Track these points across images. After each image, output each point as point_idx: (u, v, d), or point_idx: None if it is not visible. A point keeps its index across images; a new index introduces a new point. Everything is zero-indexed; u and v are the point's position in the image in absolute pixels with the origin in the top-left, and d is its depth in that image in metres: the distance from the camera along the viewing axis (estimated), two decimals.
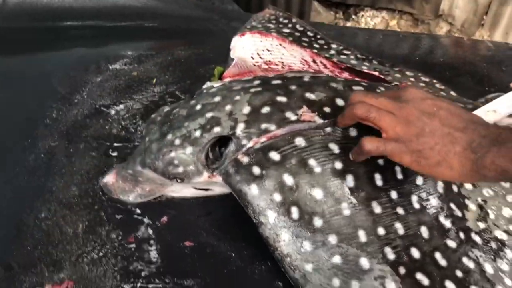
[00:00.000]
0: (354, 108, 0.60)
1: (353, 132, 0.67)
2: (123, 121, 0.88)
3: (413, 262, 0.60)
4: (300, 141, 0.65)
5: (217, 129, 0.67)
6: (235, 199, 0.65)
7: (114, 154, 0.81)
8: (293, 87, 0.72)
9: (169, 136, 0.69)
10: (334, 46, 1.09)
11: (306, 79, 0.75)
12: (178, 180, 0.68)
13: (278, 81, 0.74)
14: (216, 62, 1.02)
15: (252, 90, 0.72)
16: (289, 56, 1.02)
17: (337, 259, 0.60)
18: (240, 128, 0.67)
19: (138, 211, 0.71)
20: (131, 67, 1.01)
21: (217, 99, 0.71)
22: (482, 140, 0.55)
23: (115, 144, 0.83)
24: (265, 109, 0.68)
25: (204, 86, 0.83)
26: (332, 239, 0.60)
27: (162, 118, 0.73)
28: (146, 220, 0.70)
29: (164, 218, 0.71)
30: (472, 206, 0.69)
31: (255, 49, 1.03)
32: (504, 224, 0.68)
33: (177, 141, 0.68)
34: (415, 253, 0.61)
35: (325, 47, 1.08)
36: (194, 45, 1.10)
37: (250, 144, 0.66)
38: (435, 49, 1.17)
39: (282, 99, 0.70)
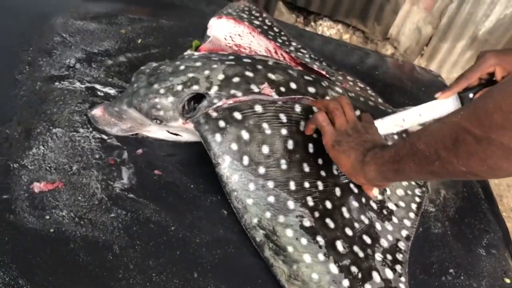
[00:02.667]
0: (331, 101, 0.85)
1: (297, 109, 0.87)
2: (110, 68, 1.02)
3: (326, 210, 0.81)
4: (258, 108, 0.85)
5: (195, 87, 0.85)
6: (198, 146, 0.83)
7: (101, 94, 0.96)
8: (259, 67, 0.91)
9: (156, 86, 0.85)
10: (294, 44, 1.29)
11: (270, 62, 0.94)
12: (158, 121, 0.85)
13: (248, 60, 0.93)
14: (194, 36, 1.19)
15: (227, 62, 0.90)
16: (256, 44, 1.21)
17: (271, 199, 0.79)
18: (214, 89, 0.85)
19: (118, 141, 0.87)
20: (120, 25, 1.15)
21: (198, 64, 0.89)
22: (371, 145, 0.78)
23: (102, 87, 0.98)
24: (236, 79, 0.87)
25: (186, 53, 1.01)
26: (270, 184, 0.80)
27: (150, 70, 0.89)
28: (124, 149, 0.86)
29: (139, 151, 0.87)
30: None
31: (229, 32, 1.20)
32: (395, 199, 0.92)
33: (162, 91, 0.85)
34: (328, 204, 0.82)
35: (287, 43, 1.28)
36: (176, 18, 1.26)
37: (219, 103, 0.84)
38: (377, 65, 1.41)
39: (249, 74, 0.89)
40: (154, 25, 1.20)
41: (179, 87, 0.85)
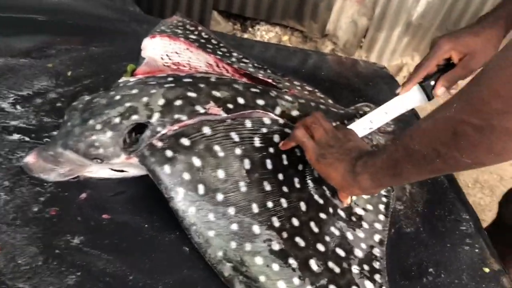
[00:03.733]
0: (307, 117, 0.82)
1: (248, 124, 0.82)
2: (40, 108, 0.93)
3: (293, 229, 0.76)
4: (207, 130, 0.79)
5: (134, 117, 0.78)
6: (147, 180, 0.76)
7: (32, 139, 0.87)
8: (202, 85, 0.85)
9: (91, 122, 0.78)
10: (235, 54, 1.24)
11: (213, 79, 0.89)
12: (98, 161, 0.77)
13: (189, 79, 0.87)
14: (128, 60, 1.11)
15: (166, 85, 0.83)
16: (195, 60, 1.15)
17: (234, 227, 0.73)
18: (155, 117, 0.78)
19: (58, 188, 0.79)
20: (47, 59, 1.06)
21: (134, 91, 0.82)
22: (358, 153, 0.75)
23: (35, 129, 0.89)
24: (178, 102, 0.81)
25: (120, 80, 0.93)
26: (231, 210, 0.74)
27: (84, 105, 0.81)
28: (66, 196, 0.78)
29: (83, 195, 0.79)
30: None
31: (165, 51, 1.14)
32: (362, 203, 0.88)
33: (98, 126, 0.77)
34: (295, 222, 0.77)
35: (227, 54, 1.23)
36: (107, 43, 1.18)
37: (164, 131, 0.78)
38: (320, 65, 1.38)
39: (192, 94, 0.82)
40: (83, 54, 1.12)
41: (117, 120, 0.78)
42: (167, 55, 1.13)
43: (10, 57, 1.05)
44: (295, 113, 0.92)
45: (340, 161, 0.75)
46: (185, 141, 0.77)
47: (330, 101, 1.15)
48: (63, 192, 0.79)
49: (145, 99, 0.80)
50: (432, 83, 0.95)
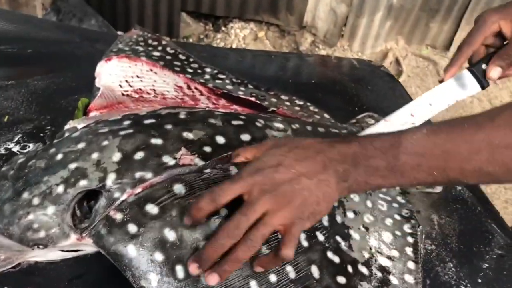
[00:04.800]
0: (249, 240, 0.54)
1: (234, 171, 0.63)
2: None
3: None
4: (179, 188, 0.60)
5: (83, 182, 0.59)
6: None
7: None
8: (169, 127, 0.66)
9: (25, 195, 0.58)
10: (208, 70, 1.05)
11: (182, 116, 0.70)
12: (40, 247, 0.58)
13: (152, 120, 0.68)
14: (80, 92, 0.92)
15: (122, 132, 0.64)
16: (161, 83, 0.96)
17: None
18: (110, 179, 0.59)
19: None
20: None
21: (81, 145, 0.63)
22: (342, 166, 0.58)
23: None
24: (139, 155, 0.62)
25: (66, 127, 0.74)
26: None
27: (15, 172, 0.62)
28: None
29: None
30: (356, 236, 0.69)
31: (124, 76, 0.94)
32: (386, 250, 0.70)
33: (36, 200, 0.58)
34: None
35: (199, 71, 1.04)
36: (53, 73, 0.98)
37: (123, 197, 0.59)
38: (305, 69, 1.20)
39: (157, 141, 0.64)
40: (22, 90, 0.92)
41: (60, 189, 0.58)
42: (126, 81, 0.94)
43: None
44: None
45: (330, 195, 0.58)
46: (152, 208, 0.58)
47: (326, 115, 0.97)
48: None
49: (95, 155, 0.61)
50: (483, 66, 0.77)
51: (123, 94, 0.90)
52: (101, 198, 0.59)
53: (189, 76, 1.00)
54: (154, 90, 0.93)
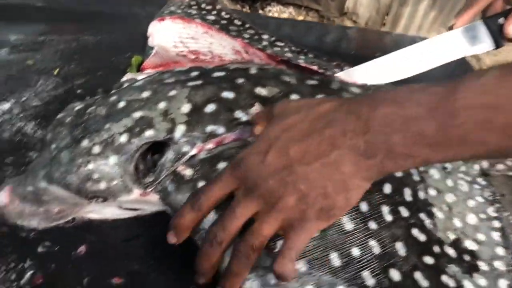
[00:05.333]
0: (237, 257, 0.44)
1: None
2: (17, 122, 0.69)
3: (395, 287, 0.51)
4: None
5: (149, 133, 0.53)
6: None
7: (7, 166, 0.63)
8: (240, 81, 0.60)
9: (85, 142, 0.53)
10: (265, 36, 0.98)
11: (253, 71, 0.63)
12: (99, 200, 0.53)
13: (221, 73, 0.61)
14: (131, 51, 0.86)
15: (191, 83, 0.58)
16: (218, 46, 0.90)
17: None
18: (179, 131, 0.53)
19: (45, 240, 0.54)
20: (24, 55, 0.81)
21: (146, 94, 0.57)
22: (364, 138, 0.42)
23: (7, 150, 0.64)
24: (210, 107, 0.56)
25: (124, 79, 0.68)
26: (301, 266, 0.49)
27: (73, 118, 0.57)
28: (57, 251, 0.54)
29: (82, 248, 0.54)
30: (439, 214, 0.62)
31: (178, 37, 0.89)
32: (471, 232, 0.63)
33: (96, 149, 0.52)
34: (395, 275, 0.52)
35: (256, 37, 0.97)
36: (103, 31, 0.93)
37: (193, 152, 0.53)
38: (345, 40, 1.13)
39: (228, 95, 0.57)
40: (73, 45, 0.87)
41: (123, 138, 0.53)
42: (181, 41, 0.88)
43: None
44: None
45: (347, 180, 0.43)
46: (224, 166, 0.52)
47: None
48: (52, 245, 0.54)
49: (162, 105, 0.55)
50: (500, 20, 0.66)
51: (178, 55, 0.84)
52: (168, 151, 0.53)
53: (247, 41, 0.93)
54: (211, 52, 0.87)
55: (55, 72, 0.79)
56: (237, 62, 0.73)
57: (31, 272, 0.51)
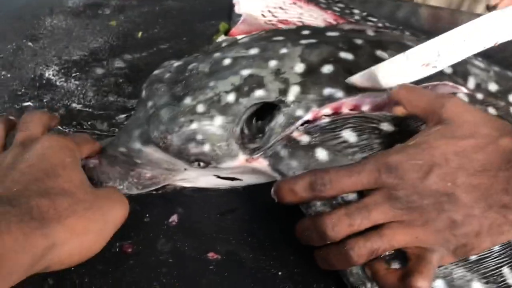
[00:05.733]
0: (348, 251, 0.38)
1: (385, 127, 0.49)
2: (101, 82, 0.64)
3: None
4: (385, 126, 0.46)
5: (259, 93, 0.47)
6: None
7: (90, 125, 0.58)
8: (359, 42, 0.52)
9: (188, 100, 0.47)
10: (356, 11, 0.91)
11: (370, 33, 0.56)
12: (201, 164, 0.47)
13: (335, 33, 0.54)
14: (216, 18, 0.81)
15: (304, 41, 0.51)
16: (308, 16, 0.83)
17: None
18: (293, 92, 0.47)
19: (134, 207, 0.49)
20: (108, 15, 0.77)
21: (254, 51, 0.51)
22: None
23: (95, 112, 0.60)
24: (327, 68, 0.49)
25: (220, 40, 0.62)
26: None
27: (173, 75, 0.51)
28: (147, 220, 0.48)
29: (174, 218, 0.49)
30: None
31: (265, 6, 0.83)
32: None
33: (200, 107, 0.47)
34: None
35: (347, 11, 0.90)
36: None
37: (307, 116, 0.46)
38: (416, 17, 1.03)
39: (347, 56, 0.50)
40: (157, 9, 0.82)
41: (231, 97, 0.47)
42: (268, 11, 0.82)
43: (58, 15, 0.77)
44: (493, 87, 0.58)
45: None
46: (351, 136, 0.45)
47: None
48: (142, 212, 0.49)
49: (273, 63, 0.49)
50: None
51: (267, 23, 0.78)
52: (279, 114, 0.46)
53: (338, 14, 0.86)
54: (302, 22, 0.80)
55: (139, 35, 0.74)
56: (352, 23, 0.65)
57: (121, 242, 0.46)
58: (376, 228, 0.39)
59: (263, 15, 0.80)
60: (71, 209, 0.37)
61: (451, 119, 0.41)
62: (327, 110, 0.46)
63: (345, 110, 0.47)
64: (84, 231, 0.38)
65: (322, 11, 0.86)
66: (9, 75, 0.64)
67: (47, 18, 0.76)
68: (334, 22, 0.83)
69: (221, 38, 0.66)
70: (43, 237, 0.34)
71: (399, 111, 0.45)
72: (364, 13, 0.90)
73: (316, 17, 0.83)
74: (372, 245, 0.38)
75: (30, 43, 0.70)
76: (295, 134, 0.45)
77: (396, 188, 0.38)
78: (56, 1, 0.81)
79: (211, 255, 0.46)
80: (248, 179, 0.52)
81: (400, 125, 0.46)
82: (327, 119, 0.45)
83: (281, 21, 0.79)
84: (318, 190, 0.39)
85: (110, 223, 0.41)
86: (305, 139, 0.45)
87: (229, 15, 0.79)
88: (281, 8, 0.84)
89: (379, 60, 0.51)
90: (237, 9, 0.81)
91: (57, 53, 0.69)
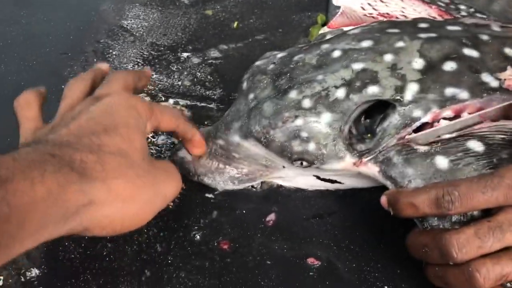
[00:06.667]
0: (473, 274, 0.34)
1: None
2: (197, 72, 0.63)
3: None
4: None
5: (372, 89, 0.43)
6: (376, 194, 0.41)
7: (187, 115, 0.57)
8: (485, 37, 0.47)
9: (293, 94, 0.44)
10: (462, 7, 0.83)
11: (496, 28, 0.50)
12: (304, 163, 0.44)
13: (457, 27, 0.49)
14: (312, 9, 0.77)
15: (422, 35, 0.47)
16: (411, 11, 0.77)
17: None
18: (410, 90, 0.42)
19: (228, 202, 0.47)
20: (204, 4, 0.76)
21: (366, 43, 0.47)
22: None
23: (188, 103, 0.59)
24: (449, 65, 0.44)
25: (322, 32, 0.59)
26: None
27: (277, 66, 0.48)
28: (243, 217, 0.46)
29: (271, 217, 0.47)
30: None
31: None
32: None
33: (307, 102, 0.44)
34: None
35: (452, 7, 0.83)
36: None
37: (426, 118, 0.42)
38: None
39: (472, 53, 0.45)
40: (253, 0, 0.80)
41: (340, 93, 0.43)
42: (368, 4, 0.78)
43: (152, 3, 0.77)
44: None
45: None
46: (477, 146, 0.40)
47: None
48: (237, 209, 0.47)
49: (388, 57, 0.45)
50: None
51: (367, 16, 0.74)
52: (394, 114, 0.42)
53: (443, 9, 0.80)
54: (405, 16, 0.75)
55: (234, 25, 0.73)
56: (470, 17, 0.60)
57: (217, 238, 0.44)
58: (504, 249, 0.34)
59: (363, 8, 0.76)
60: (121, 170, 0.34)
61: None
62: (448, 112, 0.42)
63: (466, 113, 0.42)
64: (130, 197, 0.35)
65: (425, 5, 0.80)
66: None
67: (141, 6, 0.76)
68: (439, 18, 0.77)
69: (322, 30, 0.62)
70: (80, 192, 0.31)
71: None
72: (472, 9, 0.83)
73: (420, 12, 0.78)
74: (503, 270, 0.33)
75: (124, 32, 0.71)
76: (412, 138, 0.41)
77: None
78: None
79: (311, 260, 0.43)
80: (349, 183, 0.48)
81: None
82: (443, 125, 0.40)
83: (381, 15, 0.74)
84: (444, 208, 0.34)
85: (161, 196, 0.38)
86: (422, 148, 0.40)
87: (326, 7, 0.76)
88: (381, 1, 0.79)
89: (507, 58, 0.45)
90: (335, 1, 0.77)
91: (154, 39, 0.69)
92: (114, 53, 0.67)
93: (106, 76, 0.44)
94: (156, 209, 0.38)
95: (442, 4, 0.83)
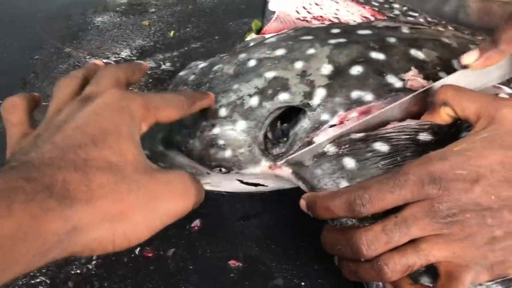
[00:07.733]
0: (382, 267, 0.35)
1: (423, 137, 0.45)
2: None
3: None
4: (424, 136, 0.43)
5: (283, 96, 0.45)
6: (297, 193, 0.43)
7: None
8: (392, 40, 0.50)
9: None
10: (396, 6, 0.87)
11: (405, 30, 0.53)
12: (223, 170, 0.46)
13: (367, 31, 0.52)
14: (249, 16, 0.80)
15: (332, 41, 0.49)
16: (345, 12, 0.80)
17: None
18: (318, 95, 0.45)
19: None
20: (141, 15, 0.77)
21: (280, 52, 0.49)
22: None
23: None
24: (356, 69, 0.46)
25: (249, 39, 0.61)
26: None
27: (197, 76, 0.50)
28: (169, 225, 0.48)
29: (196, 223, 0.48)
30: None
31: (300, 2, 0.80)
32: None
33: (223, 111, 0.45)
34: None
35: (386, 6, 0.86)
36: None
37: (334, 121, 0.44)
38: (464, 10, 0.97)
39: (378, 56, 0.47)
40: (190, 8, 0.82)
41: (254, 101, 0.45)
42: (303, 7, 0.80)
43: (90, 15, 0.78)
44: None
45: None
46: (382, 147, 0.42)
47: None
48: None
49: (299, 64, 0.47)
50: None
51: (301, 20, 0.76)
52: (304, 119, 0.45)
53: (376, 9, 0.83)
54: (338, 19, 0.77)
55: (171, 34, 0.74)
56: (387, 19, 0.62)
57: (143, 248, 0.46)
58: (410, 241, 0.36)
59: (297, 12, 0.78)
60: (110, 187, 0.31)
61: (503, 125, 0.37)
62: (354, 114, 0.44)
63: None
64: (120, 215, 0.31)
65: (359, 6, 0.83)
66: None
67: (77, 18, 0.77)
68: (372, 18, 0.80)
69: (251, 36, 0.64)
70: (60, 220, 0.28)
71: (442, 115, 0.42)
72: (405, 8, 0.86)
73: (353, 13, 0.80)
74: (408, 261, 0.35)
75: (60, 45, 0.72)
76: (318, 140, 0.43)
77: (439, 200, 0.35)
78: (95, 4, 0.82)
79: (232, 262, 0.45)
80: (273, 185, 0.50)
81: (436, 135, 0.43)
82: (361, 134, 0.42)
83: (316, 18, 0.77)
84: (357, 211, 0.36)
85: (160, 213, 0.34)
86: (332, 150, 0.42)
87: (263, 12, 0.78)
88: (316, 4, 0.81)
89: (414, 59, 0.48)
90: (271, 6, 0.79)
91: (90, 53, 0.70)
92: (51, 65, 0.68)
93: (97, 72, 0.40)
94: (155, 226, 0.34)
95: (376, 4, 0.86)
